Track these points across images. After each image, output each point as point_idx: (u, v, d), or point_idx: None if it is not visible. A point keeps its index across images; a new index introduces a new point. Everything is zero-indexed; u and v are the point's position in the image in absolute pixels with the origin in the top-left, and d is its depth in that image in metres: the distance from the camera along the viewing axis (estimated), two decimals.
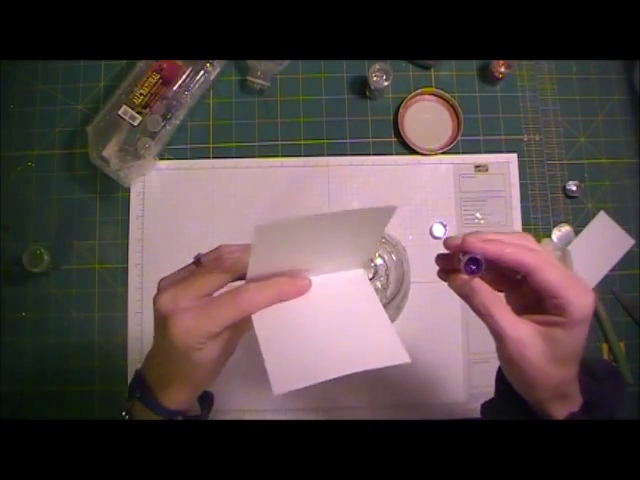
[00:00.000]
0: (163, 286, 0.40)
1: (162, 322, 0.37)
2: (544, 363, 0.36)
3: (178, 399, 0.41)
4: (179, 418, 0.41)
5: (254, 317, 0.37)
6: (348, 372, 0.35)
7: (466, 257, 0.37)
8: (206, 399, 0.46)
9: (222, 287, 0.39)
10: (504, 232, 0.38)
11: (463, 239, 0.37)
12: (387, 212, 0.38)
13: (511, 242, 0.37)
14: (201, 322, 0.37)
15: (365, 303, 0.40)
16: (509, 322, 0.36)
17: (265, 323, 0.37)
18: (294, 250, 0.38)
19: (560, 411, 0.38)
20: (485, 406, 0.45)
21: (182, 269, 0.41)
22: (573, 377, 0.38)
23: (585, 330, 0.36)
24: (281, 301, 0.38)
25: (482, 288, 0.37)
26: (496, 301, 0.37)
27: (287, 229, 0.35)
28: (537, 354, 0.36)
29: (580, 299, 0.36)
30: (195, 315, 0.37)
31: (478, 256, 0.36)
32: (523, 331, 0.36)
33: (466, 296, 0.38)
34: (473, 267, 0.37)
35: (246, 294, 0.37)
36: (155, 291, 0.40)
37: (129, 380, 0.44)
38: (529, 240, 0.38)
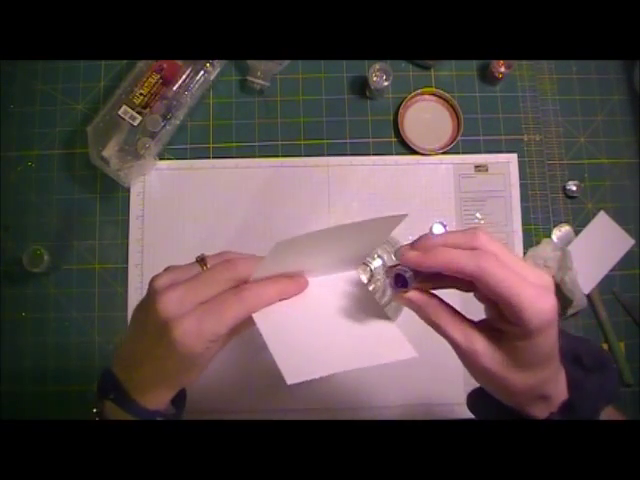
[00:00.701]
0: (162, 286, 0.37)
1: (161, 326, 0.35)
2: (505, 372, 0.34)
3: (158, 400, 0.40)
4: (158, 418, 0.40)
5: (255, 315, 0.36)
6: (356, 367, 0.35)
7: (393, 272, 0.35)
8: (180, 396, 0.43)
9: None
10: (455, 231, 0.35)
11: (397, 251, 0.35)
12: (397, 220, 0.37)
13: (455, 244, 0.34)
14: (208, 324, 0.35)
15: (364, 304, 0.40)
16: (460, 333, 0.35)
17: (267, 321, 0.37)
18: (301, 258, 0.38)
19: (540, 412, 0.36)
20: (472, 395, 0.43)
21: (180, 268, 0.39)
22: (547, 379, 0.36)
23: (549, 335, 0.33)
24: (282, 299, 0.38)
25: (425, 301, 0.36)
26: (443, 312, 0.35)
27: (303, 243, 0.35)
28: (495, 364, 0.34)
29: (535, 305, 0.32)
30: (200, 318, 0.35)
31: (402, 272, 0.35)
32: (477, 341, 0.34)
33: (414, 310, 0.36)
34: (399, 284, 0.35)
35: (251, 291, 0.36)
36: None
37: None
38: (478, 239, 0.34)
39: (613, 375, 0.39)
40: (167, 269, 0.39)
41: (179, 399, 0.43)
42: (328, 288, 0.41)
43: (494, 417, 0.39)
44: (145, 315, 0.37)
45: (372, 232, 0.38)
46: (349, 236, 0.37)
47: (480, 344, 0.35)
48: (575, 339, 0.40)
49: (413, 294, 0.36)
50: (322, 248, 0.37)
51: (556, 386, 0.37)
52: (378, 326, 0.39)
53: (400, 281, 0.35)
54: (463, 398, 0.42)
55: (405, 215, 0.37)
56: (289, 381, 0.33)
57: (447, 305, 0.36)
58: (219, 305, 0.36)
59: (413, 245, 0.36)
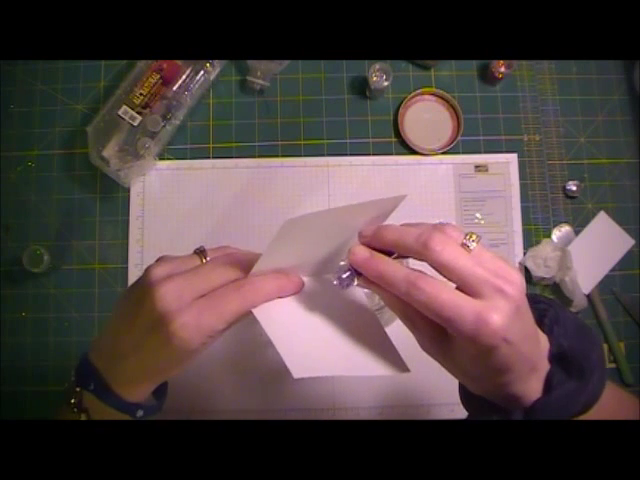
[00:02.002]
0: (159, 277, 0.35)
1: (157, 319, 0.34)
2: (458, 372, 0.34)
3: (140, 392, 0.39)
4: (139, 412, 0.39)
5: (255, 311, 0.36)
6: (354, 374, 0.36)
7: (343, 267, 0.36)
8: (162, 387, 0.42)
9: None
10: (412, 229, 0.34)
11: (349, 250, 0.35)
12: (396, 201, 0.37)
13: (406, 245, 0.33)
14: (207, 320, 0.34)
15: (360, 310, 0.40)
16: (410, 323, 0.35)
17: (267, 317, 0.36)
18: (303, 247, 0.37)
19: (512, 407, 0.35)
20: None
21: (177, 259, 0.38)
22: (508, 382, 0.34)
23: (499, 354, 0.32)
24: (280, 296, 0.37)
25: (376, 288, 0.36)
26: (395, 299, 0.35)
27: (309, 223, 0.35)
28: (446, 362, 0.34)
29: (474, 329, 0.31)
30: (199, 312, 0.34)
31: (345, 269, 0.36)
32: (425, 335, 0.35)
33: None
34: (344, 283, 0.36)
35: (251, 285, 0.35)
36: None
37: None
38: (428, 246, 0.32)
39: (592, 386, 0.35)
40: (161, 259, 0.38)
41: (161, 390, 0.42)
42: (325, 288, 0.40)
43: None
44: (136, 306, 0.36)
45: (373, 214, 0.38)
46: (351, 218, 0.37)
47: (427, 340, 0.35)
48: (574, 333, 0.37)
49: (364, 282, 0.36)
50: (325, 232, 0.37)
51: (526, 387, 0.35)
52: (373, 335, 0.39)
53: (343, 281, 0.36)
54: None
55: (404, 196, 0.37)
56: (295, 375, 0.33)
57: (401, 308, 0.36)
58: (219, 300, 0.35)
59: (374, 235, 0.35)
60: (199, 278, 0.36)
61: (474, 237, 0.33)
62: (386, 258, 0.34)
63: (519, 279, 0.33)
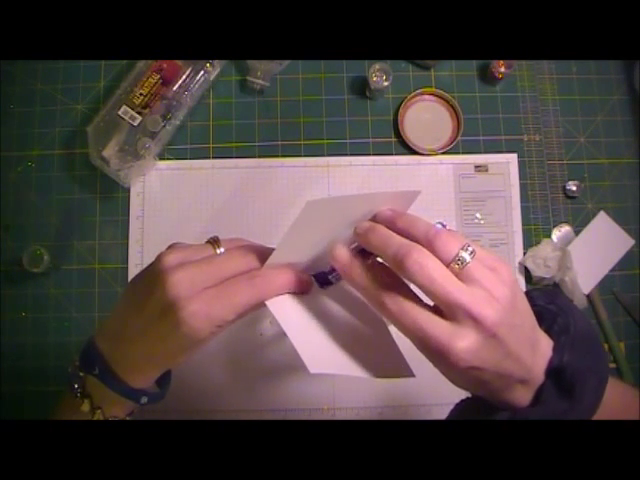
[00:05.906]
0: (171, 265, 0.35)
1: (167, 306, 0.34)
2: (445, 375, 0.34)
3: (144, 379, 0.38)
4: (143, 399, 0.39)
5: (268, 303, 0.36)
6: (362, 375, 0.35)
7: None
8: (165, 376, 0.42)
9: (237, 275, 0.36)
10: (395, 241, 0.33)
11: (331, 252, 0.35)
12: (412, 195, 0.38)
13: (387, 256, 0.33)
14: (217, 309, 0.34)
15: (369, 310, 0.40)
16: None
17: (280, 310, 0.36)
18: (320, 235, 0.37)
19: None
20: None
21: (190, 248, 0.38)
22: (492, 391, 0.34)
23: (472, 376, 0.31)
24: (290, 292, 0.37)
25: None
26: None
27: (329, 208, 0.35)
28: (433, 365, 0.34)
29: (441, 355, 0.30)
30: (210, 301, 0.34)
31: (323, 272, 0.37)
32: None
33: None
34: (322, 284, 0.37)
35: (263, 278, 0.35)
36: None
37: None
38: (403, 266, 0.31)
39: (579, 412, 0.33)
40: (172, 246, 0.38)
41: (164, 379, 0.42)
42: (336, 285, 0.40)
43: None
44: (146, 291, 0.35)
45: (389, 206, 0.37)
46: (368, 207, 0.37)
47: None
48: (580, 349, 0.34)
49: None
50: (342, 220, 0.36)
51: (512, 395, 0.34)
52: (380, 337, 0.39)
53: (323, 280, 0.37)
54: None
55: (419, 192, 0.37)
56: (312, 370, 0.32)
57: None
58: (230, 290, 0.35)
59: (363, 235, 0.35)
60: (212, 267, 0.35)
61: (470, 249, 0.32)
62: (360, 269, 0.34)
63: (504, 302, 0.31)
